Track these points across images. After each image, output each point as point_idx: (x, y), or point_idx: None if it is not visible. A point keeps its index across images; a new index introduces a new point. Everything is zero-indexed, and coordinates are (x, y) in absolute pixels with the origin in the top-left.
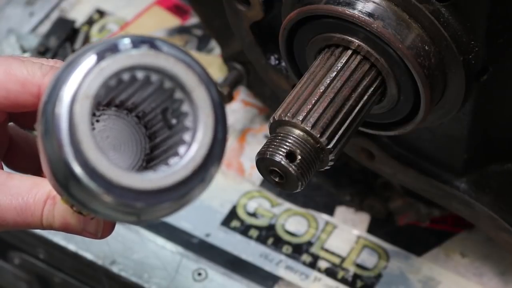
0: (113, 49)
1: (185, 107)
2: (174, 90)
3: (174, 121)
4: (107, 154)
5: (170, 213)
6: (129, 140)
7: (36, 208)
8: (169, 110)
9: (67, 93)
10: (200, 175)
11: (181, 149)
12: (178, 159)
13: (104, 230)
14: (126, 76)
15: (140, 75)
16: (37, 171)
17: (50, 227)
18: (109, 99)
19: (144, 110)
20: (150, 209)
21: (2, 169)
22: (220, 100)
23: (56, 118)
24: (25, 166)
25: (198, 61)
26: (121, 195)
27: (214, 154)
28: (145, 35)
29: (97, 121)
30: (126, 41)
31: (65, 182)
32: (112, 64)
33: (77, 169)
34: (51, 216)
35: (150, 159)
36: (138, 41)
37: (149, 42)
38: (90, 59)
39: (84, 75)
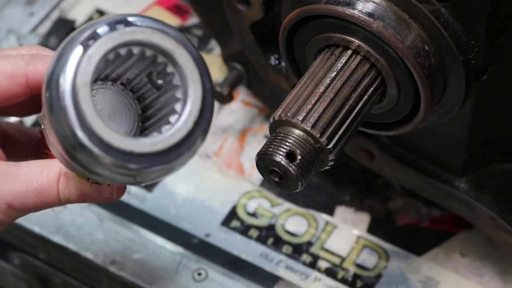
0: (94, 36)
1: (170, 68)
2: (156, 56)
3: (160, 81)
4: (106, 123)
5: (162, 175)
6: (121, 106)
7: (51, 187)
8: (154, 73)
9: (66, 83)
10: (200, 126)
11: (177, 106)
12: (178, 116)
13: (119, 191)
14: (111, 56)
15: (123, 51)
16: (35, 155)
17: (67, 201)
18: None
19: (128, 77)
20: (145, 171)
21: (7, 160)
22: (199, 54)
23: (63, 108)
24: (20, 153)
25: (170, 25)
26: (120, 157)
27: (207, 103)
28: (118, 14)
29: None
30: (104, 26)
31: (72, 150)
32: (98, 49)
33: (83, 137)
34: (67, 191)
35: (145, 118)
36: (114, 23)
37: (124, 21)
38: (78, 50)
39: (77, 65)
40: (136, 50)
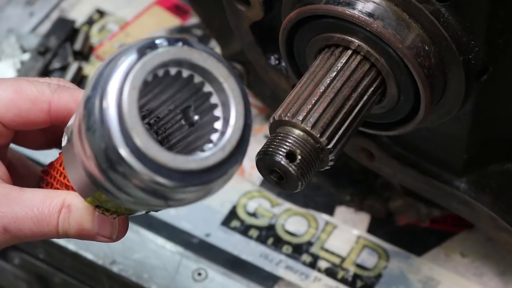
0: (152, 46)
1: (214, 99)
2: (203, 84)
3: (196, 117)
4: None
5: (195, 199)
6: None
7: (51, 217)
8: (191, 107)
9: (113, 86)
10: (234, 157)
11: (214, 136)
12: (213, 145)
13: (119, 232)
14: (161, 72)
15: (173, 71)
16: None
17: (65, 235)
18: None
19: (159, 115)
20: (182, 190)
21: (12, 183)
22: (245, 90)
23: (105, 109)
24: (20, 186)
25: (222, 58)
26: (169, 175)
27: (245, 137)
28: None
29: None
30: (163, 40)
31: (109, 168)
32: (153, 58)
33: (126, 153)
34: (66, 224)
35: None
36: (173, 40)
37: (183, 41)
38: (132, 56)
39: (129, 70)
40: (186, 73)
